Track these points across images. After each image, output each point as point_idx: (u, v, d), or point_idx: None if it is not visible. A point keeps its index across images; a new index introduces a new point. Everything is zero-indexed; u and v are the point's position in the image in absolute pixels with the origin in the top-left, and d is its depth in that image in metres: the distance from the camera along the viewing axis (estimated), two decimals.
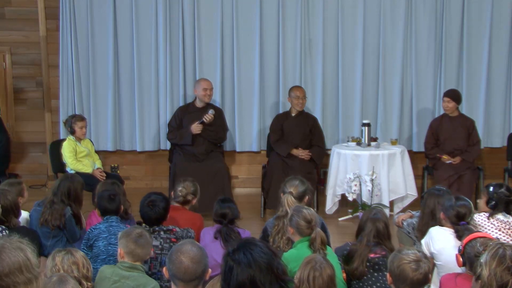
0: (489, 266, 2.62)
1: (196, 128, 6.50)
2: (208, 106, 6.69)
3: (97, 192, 4.65)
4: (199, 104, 6.70)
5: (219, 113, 6.77)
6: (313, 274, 3.06)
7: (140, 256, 3.47)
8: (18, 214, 4.35)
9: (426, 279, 2.99)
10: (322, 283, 3.05)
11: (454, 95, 6.50)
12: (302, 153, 6.49)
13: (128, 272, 3.39)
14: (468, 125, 6.55)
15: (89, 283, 3.26)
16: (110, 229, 4.15)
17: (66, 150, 6.15)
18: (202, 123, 6.50)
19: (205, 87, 6.61)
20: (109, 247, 4.06)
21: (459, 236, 3.70)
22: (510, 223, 4.13)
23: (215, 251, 4.06)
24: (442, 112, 6.68)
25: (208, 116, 6.49)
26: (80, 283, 3.18)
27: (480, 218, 4.21)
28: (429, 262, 3.06)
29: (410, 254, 2.98)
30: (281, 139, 6.63)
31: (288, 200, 4.13)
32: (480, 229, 4.14)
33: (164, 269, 2.94)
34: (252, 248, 2.59)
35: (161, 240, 4.00)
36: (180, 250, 2.81)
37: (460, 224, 3.79)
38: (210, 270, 2.88)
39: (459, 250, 3.29)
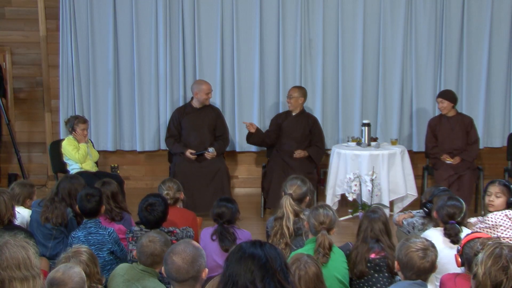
0: (485, 265, 2.62)
1: (189, 156, 6.47)
2: (206, 107, 6.69)
3: None
4: (197, 104, 6.69)
5: (218, 114, 6.78)
6: (298, 273, 3.08)
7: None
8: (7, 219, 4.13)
9: (433, 268, 3.12)
10: (309, 281, 3.08)
11: (446, 95, 6.49)
12: (298, 154, 6.50)
13: (139, 274, 3.36)
14: (466, 123, 6.53)
15: (100, 285, 3.27)
16: (89, 238, 4.01)
17: (68, 147, 6.09)
18: (200, 155, 6.48)
19: (207, 92, 6.61)
20: None
21: (447, 234, 3.76)
22: None
23: (215, 252, 4.06)
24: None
25: (209, 155, 6.48)
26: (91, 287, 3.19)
27: (499, 218, 4.21)
28: (436, 251, 3.14)
29: (418, 242, 3.11)
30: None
31: (286, 203, 4.05)
32: (498, 229, 4.15)
33: (162, 269, 2.95)
34: (264, 244, 2.59)
35: None
36: (173, 251, 2.82)
37: (449, 223, 3.81)
38: (206, 270, 2.88)
39: (458, 251, 3.30)
